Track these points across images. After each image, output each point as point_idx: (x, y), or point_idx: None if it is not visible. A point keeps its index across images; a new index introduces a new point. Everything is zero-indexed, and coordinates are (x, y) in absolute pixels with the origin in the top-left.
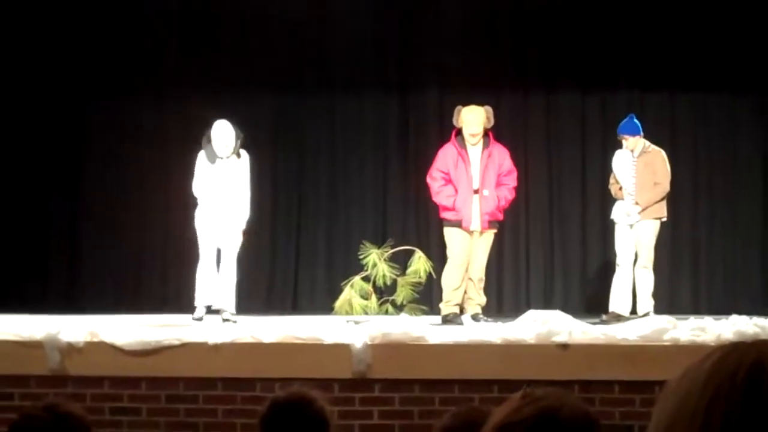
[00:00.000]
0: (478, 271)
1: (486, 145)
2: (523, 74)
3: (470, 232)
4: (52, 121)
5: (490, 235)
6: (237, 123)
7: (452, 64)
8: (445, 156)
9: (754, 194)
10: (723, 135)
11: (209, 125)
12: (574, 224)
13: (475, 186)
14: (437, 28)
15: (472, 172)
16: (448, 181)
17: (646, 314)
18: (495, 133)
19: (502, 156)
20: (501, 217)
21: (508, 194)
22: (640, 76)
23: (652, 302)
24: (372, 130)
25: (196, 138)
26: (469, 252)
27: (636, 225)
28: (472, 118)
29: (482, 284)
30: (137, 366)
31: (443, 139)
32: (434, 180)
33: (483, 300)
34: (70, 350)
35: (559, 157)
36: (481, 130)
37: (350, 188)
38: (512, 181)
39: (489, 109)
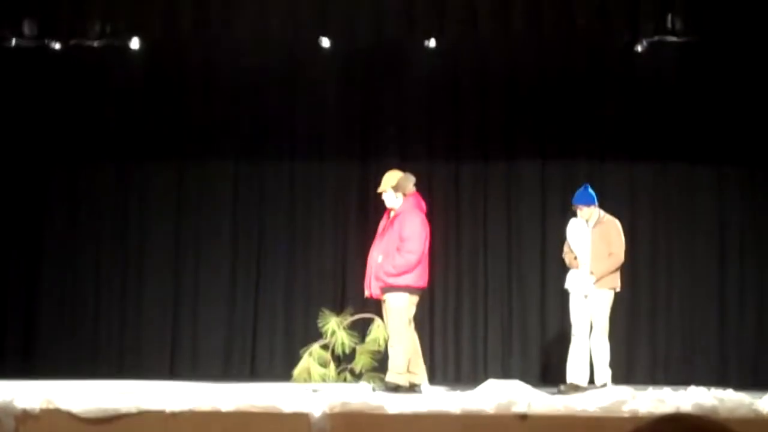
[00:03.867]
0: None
1: (397, 211)
2: (484, 142)
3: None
4: (11, 187)
5: (390, 300)
6: (198, 190)
7: (413, 133)
8: None
9: (712, 264)
10: (681, 205)
11: (170, 192)
12: (533, 293)
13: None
14: (399, 97)
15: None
16: None
17: (604, 385)
18: (454, 200)
19: (403, 222)
20: (392, 282)
21: (398, 260)
22: (600, 145)
23: (609, 372)
24: (333, 196)
25: (155, 206)
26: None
27: (590, 295)
28: (382, 181)
29: (392, 353)
30: None
31: None
32: None
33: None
34: (24, 417)
35: (519, 225)
36: (382, 191)
37: (309, 254)
38: (407, 247)
39: (399, 174)
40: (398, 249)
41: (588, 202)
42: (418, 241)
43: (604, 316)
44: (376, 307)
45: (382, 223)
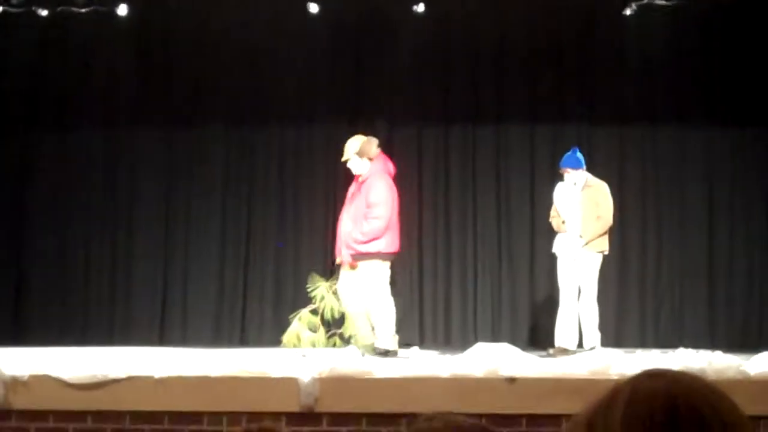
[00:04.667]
0: (358, 305)
1: (364, 176)
2: (473, 108)
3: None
4: None
5: (364, 268)
6: (188, 155)
7: (402, 97)
8: None
9: (702, 227)
10: (670, 168)
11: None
12: (523, 256)
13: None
14: (388, 62)
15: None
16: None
17: (593, 348)
18: (443, 166)
19: (370, 187)
20: (362, 250)
21: (365, 227)
22: (589, 109)
23: (598, 335)
24: (322, 161)
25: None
26: (345, 285)
27: (579, 258)
28: (344, 150)
29: (377, 319)
30: (83, 400)
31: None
32: None
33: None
34: (14, 384)
35: (508, 190)
36: (346, 159)
37: (299, 220)
38: (374, 213)
39: (362, 139)
40: (365, 216)
41: (576, 166)
42: (385, 206)
43: (592, 280)
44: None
45: (351, 188)
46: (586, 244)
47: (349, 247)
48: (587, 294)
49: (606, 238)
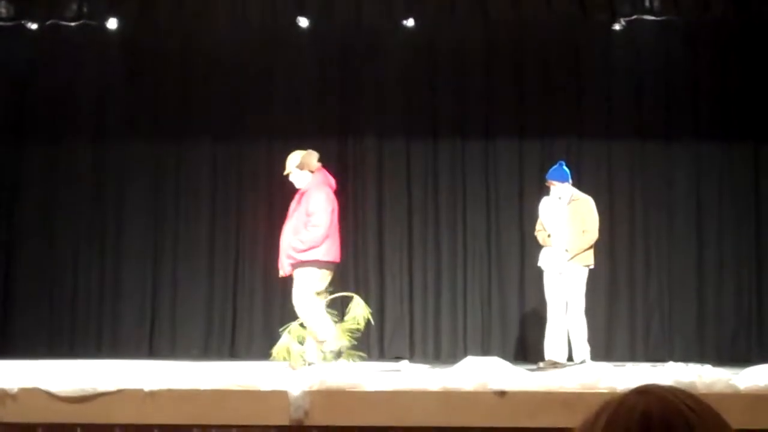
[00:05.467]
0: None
1: (304, 188)
2: (462, 121)
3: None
4: None
5: (298, 275)
6: (176, 168)
7: (391, 111)
8: None
9: (690, 241)
10: (659, 182)
11: (147, 173)
12: (512, 270)
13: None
14: (377, 76)
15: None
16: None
17: (583, 361)
18: (432, 179)
19: (309, 197)
20: (301, 258)
21: (304, 235)
22: (578, 123)
23: (587, 348)
24: None
25: (132, 185)
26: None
27: (565, 272)
28: (285, 164)
29: (314, 328)
30: (72, 413)
31: (380, 184)
32: None
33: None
34: (3, 396)
35: (497, 202)
36: (287, 173)
37: None
38: (312, 221)
39: (301, 153)
40: (305, 224)
41: (562, 179)
42: (324, 215)
43: (579, 293)
44: (355, 284)
45: (293, 203)
46: (572, 258)
47: (289, 257)
48: (575, 308)
49: (592, 252)
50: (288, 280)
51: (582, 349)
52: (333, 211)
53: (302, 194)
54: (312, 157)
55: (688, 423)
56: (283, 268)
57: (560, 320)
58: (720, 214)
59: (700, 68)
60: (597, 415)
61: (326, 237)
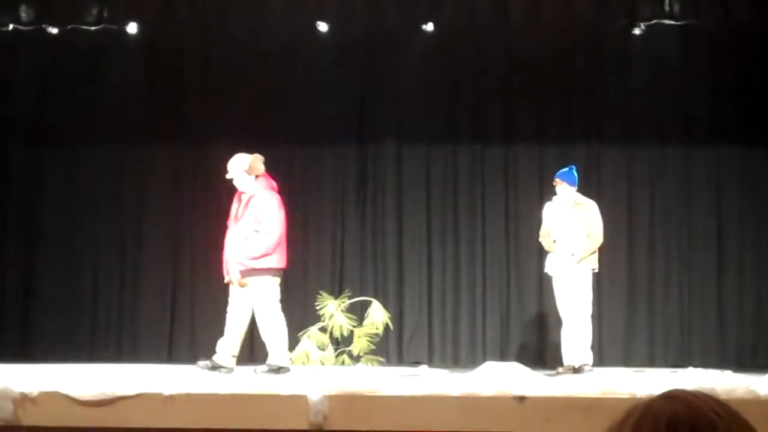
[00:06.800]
0: (242, 324)
1: (250, 193)
2: (482, 126)
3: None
4: (7, 171)
5: (255, 285)
6: (195, 171)
7: (410, 116)
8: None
9: (709, 248)
10: (679, 187)
11: (167, 177)
12: (531, 275)
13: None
14: (397, 81)
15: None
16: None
17: (584, 365)
18: (452, 184)
19: (258, 204)
20: (254, 266)
21: (257, 242)
22: (598, 129)
23: (590, 354)
24: (330, 180)
25: (152, 191)
26: (233, 304)
27: (571, 276)
28: (228, 168)
29: (268, 336)
30: (91, 416)
31: (400, 189)
32: None
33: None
34: (23, 400)
35: (517, 209)
36: (231, 177)
37: (308, 239)
38: (265, 228)
39: (248, 157)
40: (256, 231)
41: (569, 182)
42: (277, 222)
43: (586, 297)
44: (374, 288)
45: (234, 207)
46: (579, 261)
47: (239, 263)
48: (581, 312)
49: (596, 256)
50: (229, 286)
51: (585, 354)
52: (283, 217)
53: (249, 199)
54: (259, 161)
55: (715, 428)
56: (231, 275)
57: (573, 324)
58: (741, 219)
59: (721, 73)
60: (623, 420)
61: (278, 244)
